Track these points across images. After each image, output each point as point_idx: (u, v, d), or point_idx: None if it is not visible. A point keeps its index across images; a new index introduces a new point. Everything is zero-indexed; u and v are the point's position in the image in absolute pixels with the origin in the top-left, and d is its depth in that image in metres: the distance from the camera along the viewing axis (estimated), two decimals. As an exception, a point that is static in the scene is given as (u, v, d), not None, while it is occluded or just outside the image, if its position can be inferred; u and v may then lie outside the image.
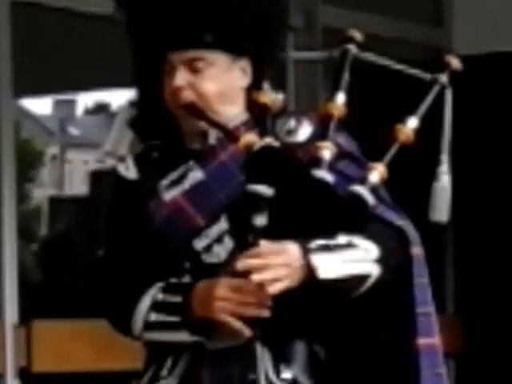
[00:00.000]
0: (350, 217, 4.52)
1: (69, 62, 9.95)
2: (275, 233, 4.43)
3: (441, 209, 4.72)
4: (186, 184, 4.72)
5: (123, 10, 4.77)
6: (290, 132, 4.71)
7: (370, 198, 4.56)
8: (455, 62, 4.69)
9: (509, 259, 9.93)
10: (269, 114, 4.69)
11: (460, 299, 11.03)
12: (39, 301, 9.13)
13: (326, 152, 4.53)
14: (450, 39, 11.00)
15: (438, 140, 4.79)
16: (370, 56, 4.77)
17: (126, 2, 4.78)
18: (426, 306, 4.58)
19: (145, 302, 4.65)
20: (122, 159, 4.90)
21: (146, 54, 4.79)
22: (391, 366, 4.70)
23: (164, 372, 4.71)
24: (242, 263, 4.38)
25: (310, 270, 4.36)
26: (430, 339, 4.56)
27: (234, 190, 4.61)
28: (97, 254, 9.52)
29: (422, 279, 4.58)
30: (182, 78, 4.63)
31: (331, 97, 4.73)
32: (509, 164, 10.84)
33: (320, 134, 4.66)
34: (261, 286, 4.40)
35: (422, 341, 4.56)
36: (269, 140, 4.50)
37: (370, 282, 4.43)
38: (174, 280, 4.66)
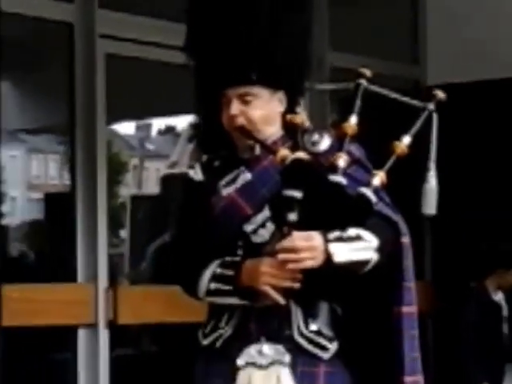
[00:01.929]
0: (358, 212, 4.62)
1: (146, 97, 9.78)
2: (303, 224, 4.53)
3: (430, 204, 4.74)
4: (238, 183, 4.85)
5: (193, 60, 4.87)
6: (314, 143, 4.82)
7: (372, 198, 4.66)
8: (441, 94, 4.78)
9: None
10: (300, 131, 4.79)
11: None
12: (122, 271, 9.02)
13: (341, 161, 4.67)
14: (425, 74, 10.63)
15: (422, 152, 4.74)
16: (375, 88, 4.86)
17: (195, 54, 4.91)
18: (409, 282, 4.79)
19: (207, 275, 4.73)
20: (191, 166, 5.11)
21: (208, 89, 4.93)
22: (385, 325, 4.76)
23: (222, 324, 4.80)
24: (281, 246, 4.48)
25: (327, 255, 4.49)
26: (411, 308, 4.76)
27: (273, 187, 4.72)
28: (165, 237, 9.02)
29: (408, 261, 4.80)
30: (235, 108, 4.76)
31: (347, 118, 4.78)
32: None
33: (337, 145, 4.79)
34: (294, 263, 4.54)
35: (405, 309, 4.75)
36: (298, 154, 4.62)
37: (370, 265, 4.63)
38: (228, 258, 4.75)
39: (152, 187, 9.88)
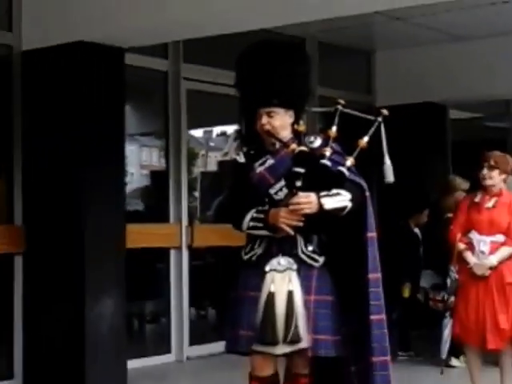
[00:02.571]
0: (338, 181, 4.63)
1: (209, 114, 9.66)
2: (305, 188, 4.59)
3: (389, 176, 4.68)
4: (266, 165, 4.82)
5: (239, 92, 4.86)
6: (311, 142, 4.78)
7: (346, 172, 4.67)
8: (385, 112, 4.73)
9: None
10: (302, 135, 4.70)
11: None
12: (196, 216, 8.82)
13: (327, 152, 4.65)
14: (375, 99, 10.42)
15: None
16: (346, 110, 4.77)
17: (241, 89, 4.87)
18: (371, 219, 4.71)
19: (248, 217, 4.71)
20: (238, 154, 5.02)
21: (248, 109, 4.89)
22: (356, 244, 4.70)
23: (256, 246, 4.79)
24: (291, 201, 4.54)
25: (320, 205, 4.54)
26: (373, 234, 4.69)
27: (286, 168, 4.67)
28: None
29: (369, 207, 4.72)
30: (264, 119, 4.75)
31: (330, 128, 4.74)
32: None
33: (324, 143, 4.74)
34: (299, 211, 4.55)
35: (369, 234, 4.69)
36: (301, 148, 4.66)
37: (346, 210, 4.63)
38: (260, 208, 4.72)
39: (212, 167, 9.84)
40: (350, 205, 4.60)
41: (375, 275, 4.67)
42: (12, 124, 7.42)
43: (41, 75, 7.33)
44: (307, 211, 4.56)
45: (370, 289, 4.65)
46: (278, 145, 4.78)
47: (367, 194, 4.72)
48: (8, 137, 7.40)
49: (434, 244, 8.19)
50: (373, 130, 4.75)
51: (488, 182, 6.20)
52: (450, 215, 8.09)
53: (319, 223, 4.69)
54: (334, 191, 4.60)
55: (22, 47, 7.39)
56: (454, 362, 7.89)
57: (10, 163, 7.39)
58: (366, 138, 4.72)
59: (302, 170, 4.60)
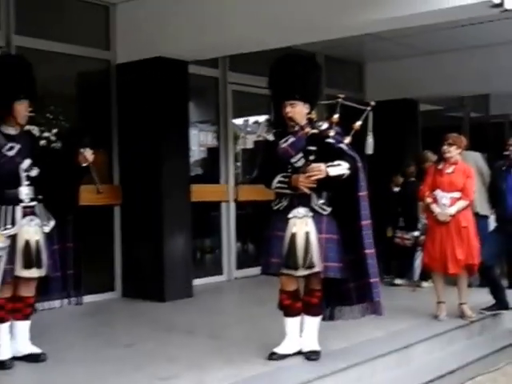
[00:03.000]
0: (339, 154, 4.58)
1: (247, 108, 9.53)
2: (316, 161, 4.55)
3: (369, 149, 4.62)
4: (288, 142, 4.76)
5: (271, 90, 4.84)
6: (320, 126, 4.73)
7: (345, 148, 4.65)
8: (373, 103, 4.67)
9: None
10: (313, 121, 4.68)
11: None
12: (239, 179, 8.70)
13: (331, 132, 4.61)
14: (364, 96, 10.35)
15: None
16: (345, 102, 4.69)
17: (273, 88, 4.82)
18: (363, 182, 4.68)
19: (276, 179, 4.69)
20: (269, 135, 4.93)
21: (277, 101, 4.81)
22: (351, 200, 4.65)
23: (282, 200, 4.76)
24: (306, 169, 4.53)
25: (327, 172, 4.52)
26: (364, 193, 4.65)
27: (303, 144, 4.63)
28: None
29: (361, 173, 4.67)
30: (288, 109, 4.73)
31: (333, 115, 4.66)
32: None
33: (329, 126, 4.68)
34: (312, 176, 4.53)
35: (361, 193, 4.65)
36: (313, 131, 4.65)
37: (345, 176, 4.59)
38: (284, 173, 4.68)
39: (249, 145, 9.90)
40: (347, 172, 4.59)
41: (367, 222, 4.67)
42: (110, 113, 7.42)
43: (130, 81, 7.29)
44: (318, 177, 4.55)
45: (364, 231, 4.65)
46: (296, 127, 4.74)
47: (359, 164, 4.67)
48: (107, 122, 7.41)
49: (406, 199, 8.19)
50: (364, 116, 4.70)
51: (447, 155, 6.19)
52: (413, 179, 8.22)
53: (326, 185, 4.64)
54: (336, 162, 4.57)
55: (116, 61, 7.37)
56: (423, 284, 7.78)
57: (109, 140, 7.42)
58: (358, 123, 4.68)
59: (313, 148, 4.59)
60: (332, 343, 5.11)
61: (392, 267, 8.40)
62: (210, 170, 9.08)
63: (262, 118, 10.26)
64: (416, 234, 7.91)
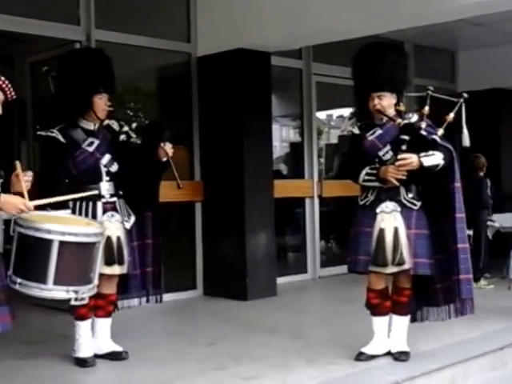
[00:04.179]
0: (432, 146, 4.46)
1: (330, 101, 9.42)
2: (408, 151, 4.46)
3: (466, 141, 4.66)
4: (375, 134, 4.69)
5: (356, 81, 4.75)
6: (409, 118, 4.65)
7: (438, 139, 4.54)
8: (465, 95, 4.63)
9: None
10: (403, 113, 4.66)
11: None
12: (323, 175, 8.70)
13: (423, 124, 4.53)
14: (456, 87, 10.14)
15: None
16: (435, 94, 4.66)
17: (357, 79, 4.76)
18: (457, 174, 4.52)
19: (363, 173, 4.62)
20: (354, 128, 4.80)
21: (363, 93, 4.71)
22: (445, 191, 4.52)
23: (369, 194, 4.69)
24: (398, 159, 4.43)
25: (420, 163, 4.41)
26: (458, 184, 4.48)
27: (392, 136, 4.59)
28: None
29: (456, 165, 4.53)
30: (376, 101, 4.65)
31: (423, 107, 4.59)
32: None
33: (420, 118, 4.61)
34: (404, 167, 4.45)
35: (456, 184, 4.49)
36: (404, 121, 4.55)
37: (439, 167, 4.47)
38: (372, 166, 4.61)
39: (334, 140, 9.80)
40: (442, 163, 4.49)
41: (461, 215, 4.53)
42: (191, 107, 7.47)
43: (211, 74, 7.34)
44: (410, 167, 4.47)
45: (458, 225, 4.52)
46: (384, 119, 4.67)
47: (454, 154, 4.56)
48: (189, 118, 7.46)
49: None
50: (456, 108, 4.68)
51: None
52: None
53: (418, 177, 4.57)
54: (431, 152, 4.48)
55: (197, 54, 7.42)
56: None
57: (190, 137, 7.47)
58: (451, 115, 4.66)
59: (406, 137, 4.51)
60: (422, 344, 5.04)
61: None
62: (293, 165, 9.06)
63: (347, 112, 10.18)
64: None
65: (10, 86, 3.56)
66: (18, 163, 3.69)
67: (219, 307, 6.78)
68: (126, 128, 4.86)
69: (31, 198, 3.60)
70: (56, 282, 3.64)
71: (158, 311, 6.24)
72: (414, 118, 4.64)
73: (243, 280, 7.09)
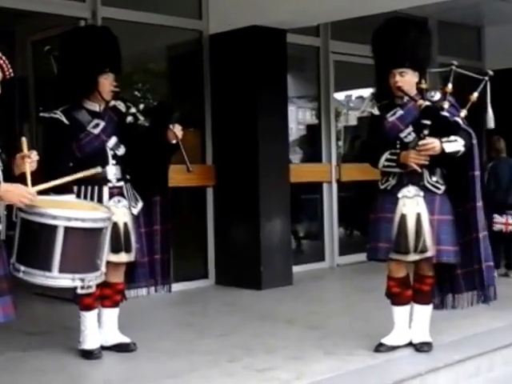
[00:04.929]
0: (454, 129, 4.45)
1: (351, 80, 9.35)
2: (431, 134, 4.40)
3: (491, 122, 4.61)
4: (397, 115, 4.64)
5: (376, 59, 4.71)
6: (432, 96, 4.61)
7: (461, 122, 4.52)
8: (491, 72, 4.62)
9: None
10: (424, 91, 4.57)
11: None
12: (341, 158, 8.55)
13: (446, 104, 4.47)
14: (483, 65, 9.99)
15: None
16: (460, 70, 4.64)
17: (378, 57, 4.70)
18: (476, 160, 4.54)
19: (383, 158, 4.60)
20: (374, 108, 4.78)
21: (384, 70, 4.65)
22: (466, 181, 4.51)
23: (390, 179, 4.65)
24: (420, 144, 4.41)
25: (442, 148, 4.39)
26: (477, 172, 4.49)
27: (413, 117, 4.55)
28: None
29: (475, 151, 4.53)
30: (398, 78, 4.60)
31: (446, 85, 4.56)
32: None
33: (443, 97, 4.56)
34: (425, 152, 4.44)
35: (476, 173, 4.50)
36: (426, 103, 4.49)
37: (460, 153, 4.46)
38: (393, 150, 4.57)
39: (352, 122, 9.75)
40: (463, 149, 4.48)
41: (479, 203, 4.53)
42: (203, 88, 7.44)
43: (224, 52, 7.31)
44: (432, 153, 4.45)
45: (478, 213, 4.51)
46: (405, 99, 4.64)
47: (474, 141, 4.55)
48: (200, 99, 7.44)
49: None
50: (481, 87, 4.64)
51: None
52: None
53: (439, 162, 4.54)
54: (453, 138, 4.47)
55: (209, 32, 7.38)
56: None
57: (202, 119, 7.46)
58: (475, 94, 4.62)
59: (428, 122, 4.46)
60: (445, 335, 5.04)
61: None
62: (310, 149, 9.02)
63: (367, 93, 10.12)
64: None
65: (7, 62, 3.50)
66: (24, 140, 3.61)
67: (232, 297, 6.77)
68: (133, 109, 4.82)
69: (34, 183, 3.55)
70: (61, 270, 3.60)
71: (168, 301, 6.26)
72: (437, 96, 4.61)
73: (257, 268, 7.08)
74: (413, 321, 4.76)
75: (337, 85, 8.81)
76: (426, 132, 4.46)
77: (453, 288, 4.73)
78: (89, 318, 4.67)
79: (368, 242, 4.75)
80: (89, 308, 4.66)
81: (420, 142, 4.44)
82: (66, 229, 3.60)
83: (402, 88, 4.58)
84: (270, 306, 6.37)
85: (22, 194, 3.40)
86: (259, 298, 6.74)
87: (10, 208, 3.64)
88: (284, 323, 5.64)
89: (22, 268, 3.61)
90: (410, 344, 4.76)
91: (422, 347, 4.71)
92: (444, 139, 4.44)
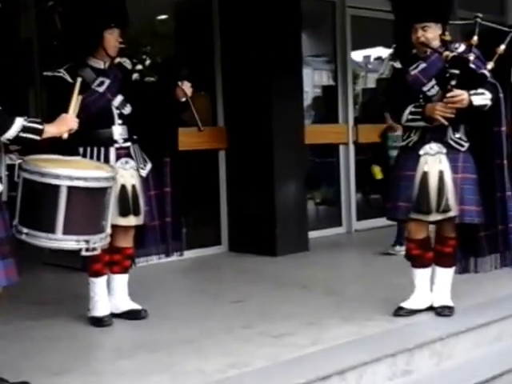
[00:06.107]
0: (481, 81, 4.40)
1: (368, 38, 9.20)
2: (458, 87, 4.33)
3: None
4: (419, 68, 4.57)
5: (396, 14, 4.68)
6: (456, 48, 4.53)
7: (487, 74, 4.46)
8: None
9: None
10: (448, 43, 4.50)
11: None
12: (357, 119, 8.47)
13: (471, 56, 4.39)
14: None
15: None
16: (484, 22, 4.58)
17: (398, 12, 4.67)
18: (503, 115, 4.44)
19: (406, 112, 4.50)
20: (396, 62, 4.69)
21: (405, 25, 4.56)
22: (491, 137, 4.46)
23: (412, 135, 4.59)
24: (448, 96, 4.32)
25: (470, 101, 4.31)
26: (503, 128, 4.42)
27: (437, 69, 4.47)
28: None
29: (501, 106, 4.45)
30: (420, 33, 4.53)
31: (471, 37, 4.47)
32: None
33: (468, 49, 4.49)
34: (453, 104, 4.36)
35: (502, 129, 4.43)
36: (452, 53, 4.41)
37: (487, 107, 4.38)
38: (417, 103, 4.50)
39: (371, 85, 9.66)
40: (490, 103, 4.42)
41: (504, 161, 4.44)
42: (213, 48, 7.36)
43: (234, 10, 7.17)
44: (459, 105, 4.38)
45: (505, 172, 4.45)
46: (428, 51, 4.57)
47: (501, 95, 4.49)
48: (210, 58, 7.37)
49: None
50: (508, 39, 4.57)
51: None
52: None
53: (465, 116, 4.46)
54: (480, 90, 4.42)
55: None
56: None
57: (212, 81, 7.39)
58: (502, 46, 4.57)
59: (457, 71, 4.39)
60: (467, 298, 5.00)
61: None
62: (326, 111, 8.92)
63: (386, 53, 9.98)
64: None
65: None
66: (79, 80, 4.01)
67: (246, 263, 6.74)
68: (139, 66, 4.76)
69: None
70: (65, 232, 3.58)
71: (180, 268, 6.26)
72: (461, 48, 4.55)
73: (272, 234, 7.02)
74: (434, 284, 4.73)
75: (354, 43, 8.69)
76: (453, 82, 4.39)
77: (475, 251, 4.69)
78: (98, 284, 4.63)
79: (387, 200, 4.72)
80: (98, 274, 4.62)
81: (448, 94, 4.38)
82: (69, 189, 3.58)
83: (425, 43, 4.52)
84: (286, 272, 6.34)
85: (69, 118, 3.75)
86: (274, 264, 6.71)
87: (11, 168, 3.60)
88: (300, 289, 5.61)
89: (25, 230, 3.59)
90: (431, 308, 4.73)
91: (443, 311, 4.68)
92: (472, 92, 4.38)
